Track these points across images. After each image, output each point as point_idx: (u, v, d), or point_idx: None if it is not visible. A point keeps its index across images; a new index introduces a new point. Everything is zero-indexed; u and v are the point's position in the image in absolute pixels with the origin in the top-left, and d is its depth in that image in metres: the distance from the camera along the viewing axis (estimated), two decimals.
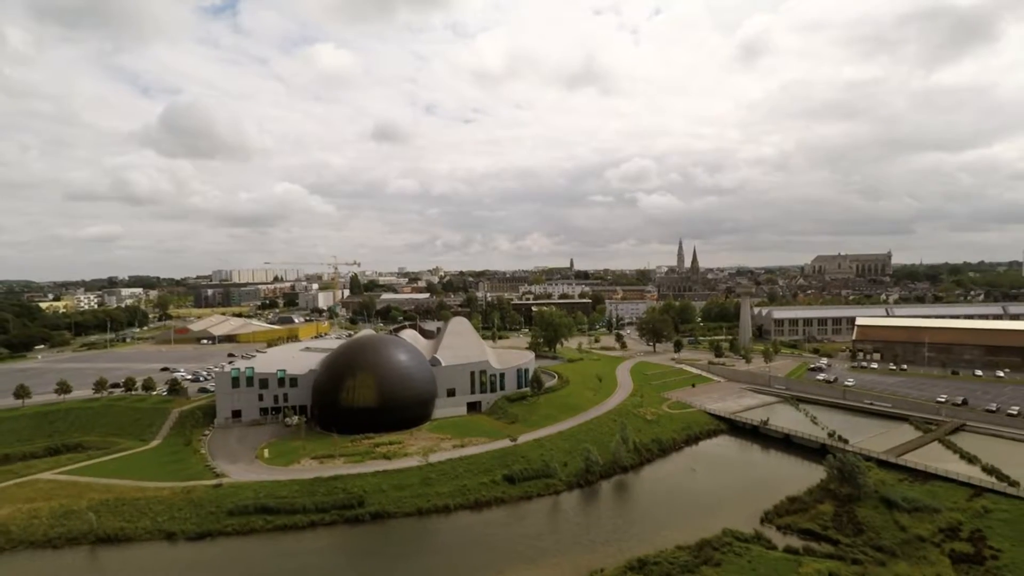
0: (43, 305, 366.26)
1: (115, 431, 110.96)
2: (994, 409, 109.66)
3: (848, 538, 64.90)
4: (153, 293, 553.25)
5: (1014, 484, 75.34)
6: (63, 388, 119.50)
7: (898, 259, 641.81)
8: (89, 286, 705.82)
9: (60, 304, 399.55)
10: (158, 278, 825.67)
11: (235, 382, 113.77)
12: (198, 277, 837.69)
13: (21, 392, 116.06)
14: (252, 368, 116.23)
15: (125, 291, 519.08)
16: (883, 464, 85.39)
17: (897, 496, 72.08)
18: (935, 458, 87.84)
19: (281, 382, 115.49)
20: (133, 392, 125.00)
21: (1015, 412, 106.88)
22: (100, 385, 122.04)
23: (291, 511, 75.00)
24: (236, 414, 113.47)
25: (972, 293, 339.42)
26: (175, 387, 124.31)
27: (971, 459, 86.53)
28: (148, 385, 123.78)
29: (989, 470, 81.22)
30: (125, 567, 66.00)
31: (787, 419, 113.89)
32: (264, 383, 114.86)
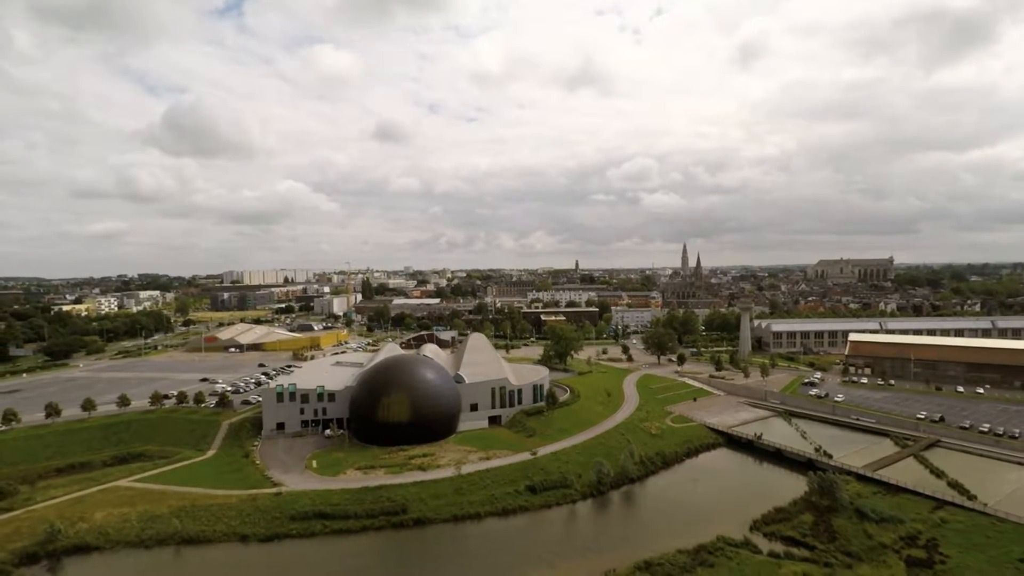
0: (65, 308, 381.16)
1: (172, 441, 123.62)
2: (967, 426, 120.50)
3: (823, 544, 76.25)
4: (169, 295, 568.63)
5: (972, 498, 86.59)
6: (123, 401, 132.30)
7: (903, 259, 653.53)
8: (100, 284, 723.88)
9: (82, 307, 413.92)
10: (168, 277, 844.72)
11: (279, 397, 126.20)
12: (208, 276, 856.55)
13: (88, 405, 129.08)
14: (294, 384, 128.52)
15: (143, 294, 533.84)
16: (861, 478, 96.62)
17: (868, 508, 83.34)
18: (908, 472, 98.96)
19: (320, 397, 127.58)
20: (185, 404, 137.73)
21: (986, 429, 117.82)
22: (155, 398, 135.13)
23: (344, 517, 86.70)
24: (280, 426, 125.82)
25: (969, 302, 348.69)
26: (223, 400, 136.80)
27: (939, 474, 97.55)
28: (199, 399, 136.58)
29: (953, 484, 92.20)
30: (210, 564, 77.96)
31: (779, 433, 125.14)
32: (305, 398, 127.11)
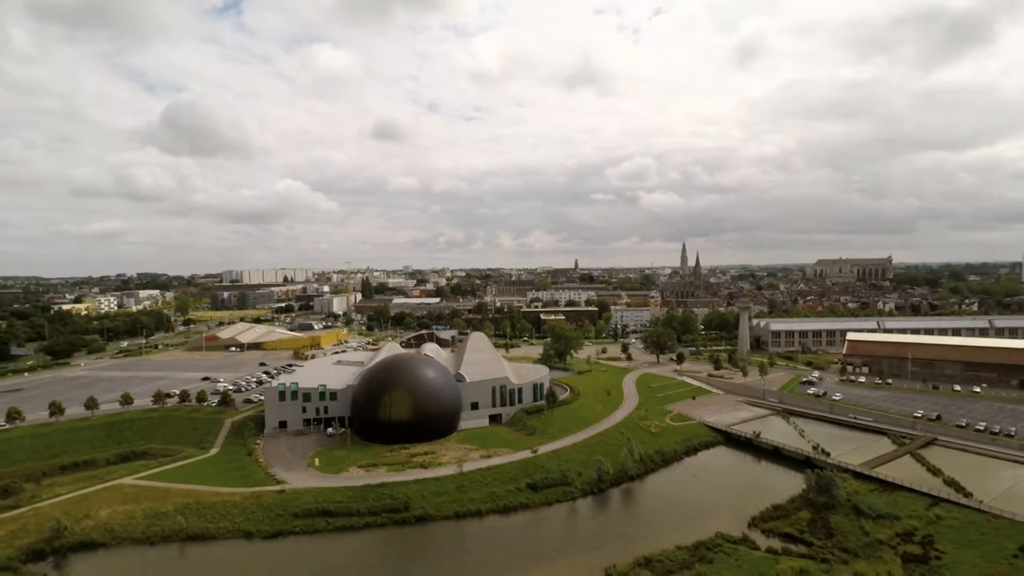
0: (65, 307, 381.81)
1: (175, 439, 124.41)
2: (964, 424, 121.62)
3: (820, 541, 77.18)
4: (169, 294, 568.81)
5: (967, 495, 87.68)
6: (126, 400, 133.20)
7: (901, 258, 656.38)
8: (99, 283, 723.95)
9: (82, 307, 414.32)
10: (167, 276, 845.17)
11: (281, 396, 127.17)
12: (207, 275, 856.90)
13: (91, 404, 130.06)
14: (296, 383, 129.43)
15: (142, 293, 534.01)
16: (858, 476, 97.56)
17: (865, 505, 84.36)
18: (905, 470, 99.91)
19: (322, 396, 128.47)
20: (187, 403, 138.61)
21: (982, 428, 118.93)
22: (158, 397, 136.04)
23: (348, 514, 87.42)
24: (282, 424, 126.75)
25: (967, 302, 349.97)
26: (225, 399, 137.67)
27: (935, 472, 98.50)
28: (201, 397, 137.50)
29: (949, 482, 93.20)
30: (214, 561, 78.70)
31: (778, 432, 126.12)
32: (307, 397, 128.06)
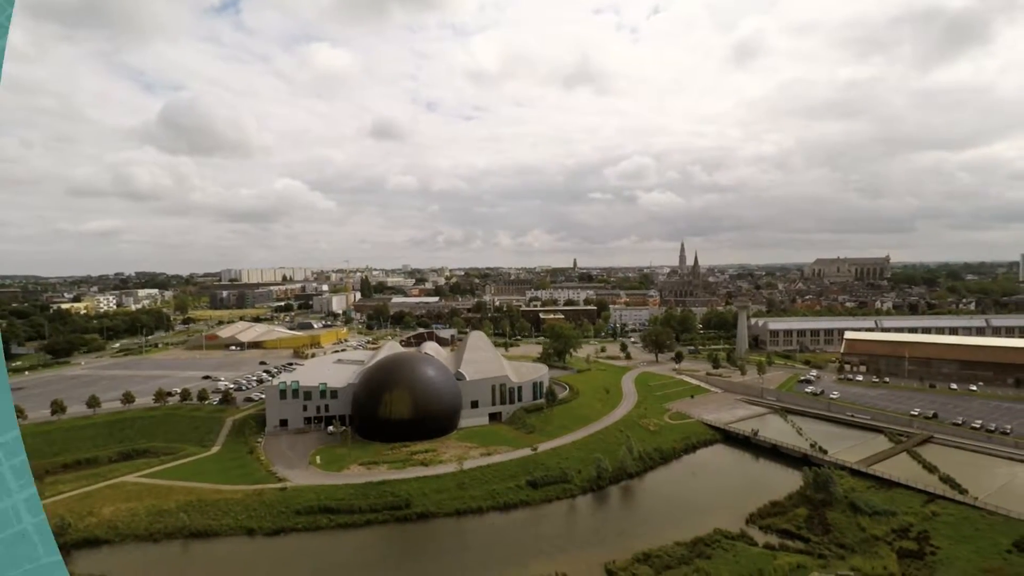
0: (64, 306, 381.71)
1: (177, 438, 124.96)
2: (960, 422, 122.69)
3: (817, 537, 78.22)
4: (168, 294, 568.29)
5: (963, 492, 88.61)
6: (127, 398, 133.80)
7: (899, 257, 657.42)
8: (97, 282, 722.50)
9: (81, 306, 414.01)
10: (166, 275, 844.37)
11: (282, 394, 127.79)
12: (205, 274, 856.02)
13: (93, 402, 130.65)
14: (297, 382, 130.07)
15: (141, 292, 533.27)
16: (855, 473, 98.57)
17: (861, 502, 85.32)
18: (902, 468, 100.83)
19: (323, 394, 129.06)
20: (188, 402, 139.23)
21: (978, 425, 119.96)
22: (159, 395, 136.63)
23: (349, 511, 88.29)
24: (283, 423, 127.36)
25: (964, 301, 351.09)
26: (226, 397, 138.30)
27: (931, 469, 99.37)
28: (203, 396, 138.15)
29: (945, 479, 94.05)
30: (217, 557, 79.60)
31: (776, 430, 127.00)
32: (308, 395, 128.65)
